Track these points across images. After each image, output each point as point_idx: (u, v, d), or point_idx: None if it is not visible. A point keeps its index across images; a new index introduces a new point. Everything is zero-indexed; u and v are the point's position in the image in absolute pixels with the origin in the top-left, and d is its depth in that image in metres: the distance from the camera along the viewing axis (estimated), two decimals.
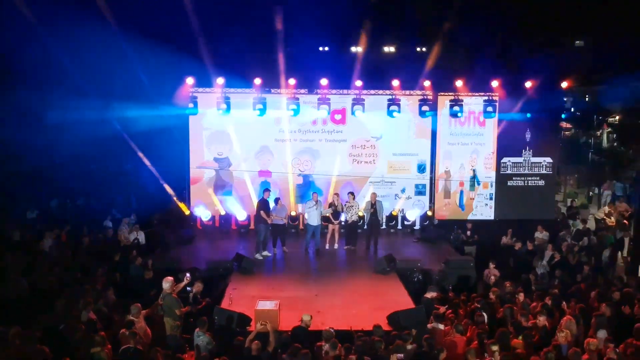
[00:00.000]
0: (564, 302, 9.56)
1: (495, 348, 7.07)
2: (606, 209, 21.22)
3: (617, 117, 38.13)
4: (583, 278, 11.64)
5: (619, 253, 13.93)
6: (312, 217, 14.18)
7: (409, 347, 7.44)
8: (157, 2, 12.88)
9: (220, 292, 10.83)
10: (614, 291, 10.21)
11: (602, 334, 8.17)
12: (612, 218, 17.02)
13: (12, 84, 12.72)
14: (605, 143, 37.79)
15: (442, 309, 9.29)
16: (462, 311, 9.35)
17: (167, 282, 8.72)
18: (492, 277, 11.73)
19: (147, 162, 15.48)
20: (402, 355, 6.87)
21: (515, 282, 11.21)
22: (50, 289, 10.52)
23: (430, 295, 9.79)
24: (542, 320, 8.60)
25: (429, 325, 8.44)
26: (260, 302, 9.08)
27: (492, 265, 12.04)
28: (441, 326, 8.34)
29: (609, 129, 38.31)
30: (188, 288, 9.51)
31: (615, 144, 34.42)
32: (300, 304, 9.82)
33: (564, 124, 39.65)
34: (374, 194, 14.77)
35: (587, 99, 45.20)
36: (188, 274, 9.23)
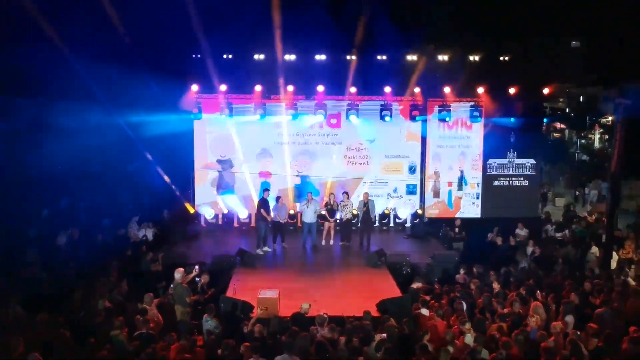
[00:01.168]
0: (538, 292, 10.31)
1: (467, 326, 7.80)
2: (588, 207, 22.04)
3: (610, 118, 38.43)
4: (560, 271, 12.38)
5: (595, 248, 14.65)
6: (306, 215, 14.79)
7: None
8: (166, 16, 13.45)
9: (225, 283, 11.41)
10: (585, 282, 10.98)
11: (569, 318, 8.87)
12: (593, 216, 17.70)
13: (31, 94, 13.29)
14: (597, 144, 38.20)
15: (427, 298, 10.04)
16: (445, 300, 10.08)
17: (178, 273, 9.43)
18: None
19: (155, 164, 15.99)
20: (386, 334, 7.59)
21: (497, 274, 11.97)
22: (68, 281, 11.23)
23: (416, 285, 10.54)
24: (516, 307, 9.36)
25: (414, 311, 9.19)
26: (261, 291, 9.77)
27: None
28: (425, 312, 9.04)
29: (601, 130, 38.66)
30: (197, 279, 10.22)
31: (607, 144, 34.80)
32: (298, 293, 10.44)
33: (558, 125, 40.03)
34: (366, 194, 15.38)
35: (581, 99, 45.41)
36: (197, 266, 9.95)
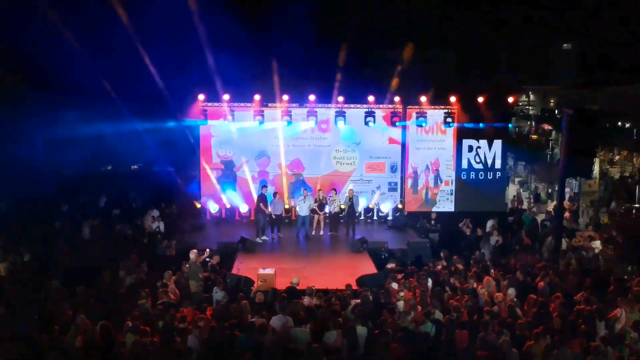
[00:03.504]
0: (492, 270, 11.83)
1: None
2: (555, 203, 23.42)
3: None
4: (514, 255, 13.89)
5: (550, 238, 16.07)
6: (302, 209, 15.94)
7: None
8: (178, 38, 14.78)
9: (230, 264, 12.74)
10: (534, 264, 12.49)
11: (511, 290, 10.33)
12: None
13: (65, 105, 14.60)
14: None
15: (399, 276, 11.55)
16: (414, 278, 11.59)
17: (192, 254, 10.89)
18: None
19: (166, 164, 17.13)
20: (360, 300, 9.12)
21: (462, 258, 13.46)
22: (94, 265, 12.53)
23: (390, 266, 12.08)
24: (472, 283, 10.88)
25: (386, 285, 10.70)
26: (260, 269, 11.23)
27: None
28: (395, 286, 10.52)
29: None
30: (207, 259, 11.65)
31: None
32: (291, 272, 11.60)
33: (546, 126, 40.75)
34: (351, 190, 16.47)
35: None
36: (208, 249, 11.38)
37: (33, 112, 14.58)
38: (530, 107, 55.43)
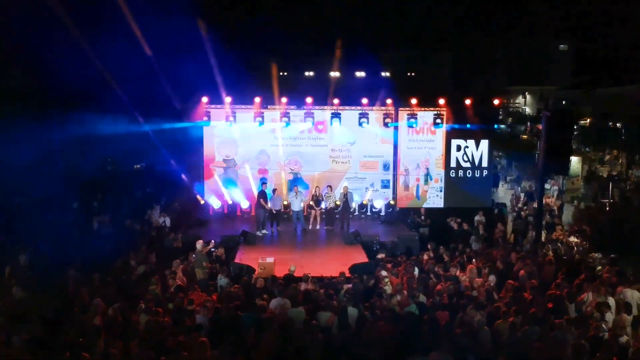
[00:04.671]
0: (474, 260, 12.56)
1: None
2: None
3: (588, 120, 39.69)
4: (496, 247, 14.62)
5: (532, 232, 16.77)
6: (295, 204, 16.56)
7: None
8: (184, 46, 15.48)
9: (233, 255, 13.41)
10: (512, 254, 13.20)
11: (492, 278, 11.13)
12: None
13: (80, 108, 15.28)
14: (573, 144, 39.76)
15: (389, 265, 12.28)
16: (402, 266, 12.30)
17: (199, 244, 11.61)
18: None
19: (172, 163, 17.56)
20: (351, 285, 9.85)
21: (447, 250, 14.18)
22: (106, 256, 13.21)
23: (380, 255, 12.81)
24: (454, 271, 11.61)
25: (376, 273, 11.43)
26: (261, 258, 11.97)
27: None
28: (384, 273, 11.26)
29: (575, 133, 40.22)
30: (212, 250, 12.36)
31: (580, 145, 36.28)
32: (289, 262, 12.10)
33: (540, 126, 41.30)
34: (345, 187, 17.13)
35: (563, 102, 46.60)
36: (213, 241, 12.10)
37: (51, 115, 15.26)
38: (527, 108, 55.72)
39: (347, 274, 11.47)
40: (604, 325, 8.64)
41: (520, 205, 21.16)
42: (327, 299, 9.25)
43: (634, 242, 11.65)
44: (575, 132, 38.48)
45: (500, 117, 56.89)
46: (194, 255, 11.91)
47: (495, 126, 19.73)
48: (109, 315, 8.67)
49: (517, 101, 56.77)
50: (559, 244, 14.02)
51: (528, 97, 57.44)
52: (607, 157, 33.12)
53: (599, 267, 11.99)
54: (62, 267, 11.59)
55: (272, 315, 8.40)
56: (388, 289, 10.17)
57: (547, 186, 25.39)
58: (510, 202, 21.35)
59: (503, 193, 25.65)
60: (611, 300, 9.64)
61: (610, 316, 9.12)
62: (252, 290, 9.83)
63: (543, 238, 14.84)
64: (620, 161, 30.73)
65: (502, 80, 56.49)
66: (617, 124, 35.74)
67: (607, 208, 13.29)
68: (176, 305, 9.09)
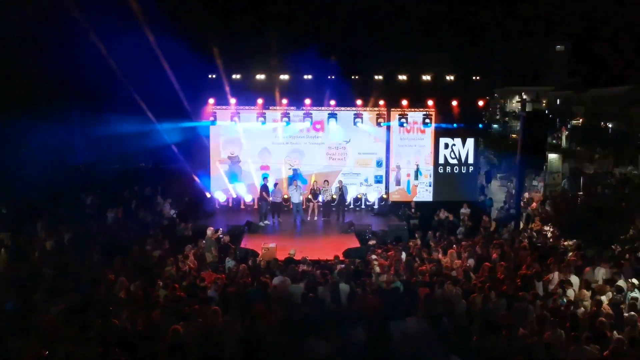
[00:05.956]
0: (454, 245, 13.54)
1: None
2: (527, 195, 25.12)
3: (581, 120, 40.31)
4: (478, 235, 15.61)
5: (512, 223, 17.70)
6: (294, 197, 17.42)
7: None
8: (193, 52, 16.42)
9: (239, 242, 14.45)
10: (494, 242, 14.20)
11: (470, 261, 12.13)
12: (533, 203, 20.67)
13: (101, 110, 16.19)
14: (564, 143, 40.55)
15: (379, 250, 13.28)
16: (391, 252, 13.28)
17: (209, 231, 12.61)
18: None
19: (181, 160, 18.39)
20: (343, 265, 10.85)
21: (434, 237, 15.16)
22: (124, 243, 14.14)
23: (371, 242, 13.82)
24: (436, 255, 12.62)
25: (367, 257, 12.43)
26: (264, 243, 12.97)
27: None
28: (374, 257, 12.28)
29: (567, 132, 40.84)
30: (221, 236, 13.35)
31: (573, 143, 36.87)
32: (289, 248, 12.84)
33: None
34: (340, 182, 18.00)
35: (558, 102, 47.00)
36: (221, 228, 13.10)
37: (73, 117, 16.22)
38: (528, 108, 55.89)
39: (341, 258, 12.42)
40: (564, 299, 9.68)
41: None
42: (322, 277, 10.22)
43: (600, 229, 12.60)
44: (566, 133, 39.56)
45: (498, 117, 58.14)
46: (203, 242, 12.86)
47: (480, 126, 20.60)
48: (131, 291, 9.64)
49: (513, 101, 57.31)
50: (534, 233, 14.99)
51: (525, 97, 57.93)
52: (597, 155, 33.79)
53: (570, 253, 13.01)
54: (84, 252, 12.59)
55: (275, 290, 9.38)
56: (377, 269, 11.15)
57: (534, 182, 26.58)
58: (505, 197, 22.20)
59: (496, 189, 26.46)
60: (574, 279, 10.68)
61: (571, 292, 10.15)
62: (256, 270, 10.81)
63: (521, 228, 15.80)
64: (608, 159, 31.48)
65: (498, 81, 57.18)
66: (609, 124, 36.46)
67: (578, 200, 14.22)
68: (189, 282, 10.07)
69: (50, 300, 8.98)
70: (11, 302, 9.00)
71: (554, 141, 39.72)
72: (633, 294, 9.60)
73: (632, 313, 8.54)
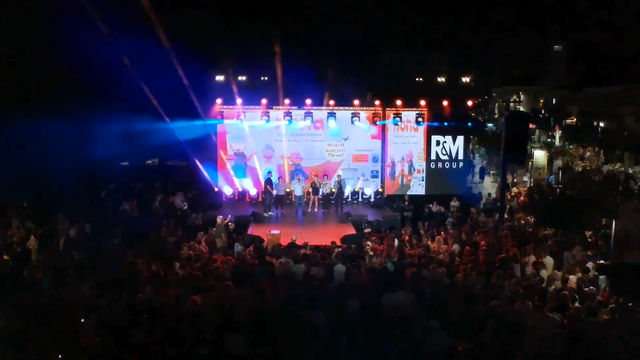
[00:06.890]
0: (442, 232, 14.52)
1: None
2: (515, 189, 26.07)
3: (575, 119, 40.89)
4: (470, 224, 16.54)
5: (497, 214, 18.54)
6: (296, 190, 18.28)
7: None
8: (202, 55, 17.37)
9: (245, 230, 15.40)
10: (477, 230, 15.18)
11: (455, 246, 13.10)
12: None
13: (112, 109, 17.14)
14: (557, 142, 40.98)
15: (373, 237, 14.25)
16: (385, 240, 14.25)
17: (219, 219, 13.62)
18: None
19: (191, 156, 19.32)
20: (341, 249, 11.85)
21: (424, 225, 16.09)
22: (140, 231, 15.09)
23: (366, 230, 14.81)
24: (425, 241, 13.63)
25: (362, 243, 13.42)
26: (269, 230, 13.99)
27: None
28: (369, 243, 13.28)
29: (560, 131, 41.48)
30: (229, 223, 14.35)
31: (566, 142, 37.55)
32: (292, 235, 13.80)
33: (532, 125, 42.07)
34: (339, 176, 18.80)
35: (554, 102, 47.41)
36: (230, 216, 14.09)
37: (92, 116, 17.19)
38: (521, 107, 55.26)
39: (338, 243, 13.42)
40: (537, 278, 10.71)
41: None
42: (321, 260, 11.23)
43: (574, 217, 13.57)
44: (560, 132, 40.17)
45: (496, 117, 58.67)
46: (214, 229, 13.86)
47: (470, 124, 21.50)
48: (152, 270, 10.66)
49: (511, 100, 57.72)
50: (515, 223, 15.98)
51: (522, 96, 58.04)
52: (588, 153, 34.50)
53: (550, 241, 13.99)
54: (105, 239, 13.58)
55: (279, 267, 10.40)
56: (370, 253, 12.15)
57: (525, 178, 27.44)
58: (495, 191, 22.99)
59: (489, 184, 27.31)
60: (548, 260, 11.69)
61: (544, 272, 11.17)
62: (262, 252, 11.83)
63: (505, 218, 16.77)
64: (599, 157, 32.23)
65: (497, 81, 57.55)
66: (601, 123, 37.01)
67: (557, 191, 15.15)
68: (203, 263, 11.08)
69: (81, 277, 9.99)
70: (47, 280, 10.05)
71: (548, 139, 40.32)
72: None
73: (592, 287, 9.55)
